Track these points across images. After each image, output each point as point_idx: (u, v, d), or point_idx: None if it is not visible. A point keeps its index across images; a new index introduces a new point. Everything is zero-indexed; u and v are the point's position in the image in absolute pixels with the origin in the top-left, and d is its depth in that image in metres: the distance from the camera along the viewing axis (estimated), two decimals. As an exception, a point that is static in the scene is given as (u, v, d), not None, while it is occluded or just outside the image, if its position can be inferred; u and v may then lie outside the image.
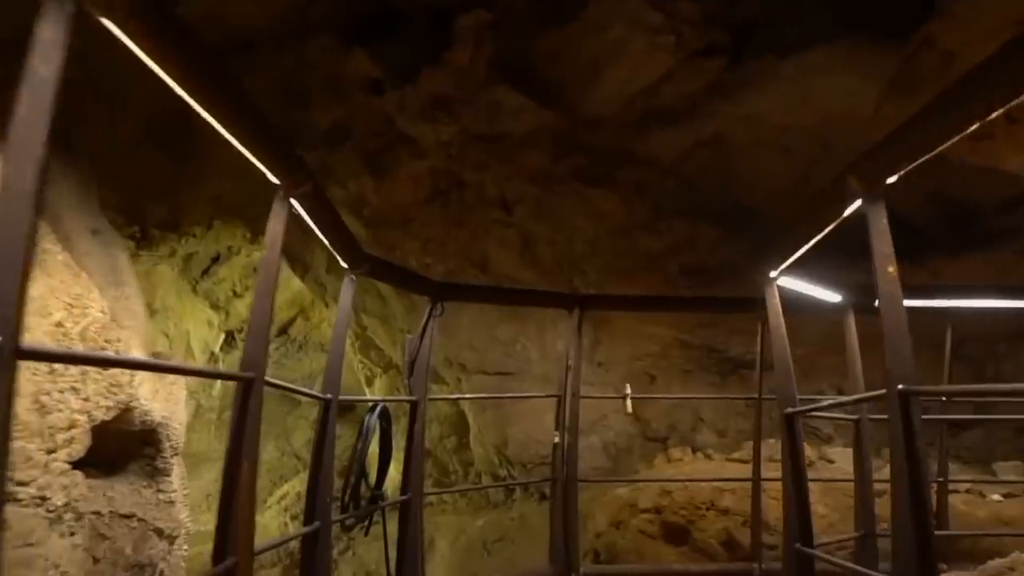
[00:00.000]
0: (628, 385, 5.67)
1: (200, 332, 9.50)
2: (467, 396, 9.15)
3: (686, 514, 5.82)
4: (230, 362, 10.31)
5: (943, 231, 7.45)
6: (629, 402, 5.77)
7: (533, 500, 9.63)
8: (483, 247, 8.02)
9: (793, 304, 3.65)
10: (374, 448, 3.67)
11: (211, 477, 9.82)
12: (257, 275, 2.45)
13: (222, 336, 10.01)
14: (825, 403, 3.76)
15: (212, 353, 9.91)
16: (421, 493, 3.86)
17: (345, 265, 3.04)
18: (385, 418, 3.72)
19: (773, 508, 4.58)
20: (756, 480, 4.54)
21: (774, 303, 3.51)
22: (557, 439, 4.98)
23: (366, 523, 3.48)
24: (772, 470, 4.02)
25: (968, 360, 8.55)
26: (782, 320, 3.49)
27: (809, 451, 7.11)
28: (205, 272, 8.79)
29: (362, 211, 7.64)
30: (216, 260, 8.70)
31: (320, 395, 2.90)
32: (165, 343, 8.03)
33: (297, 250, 8.64)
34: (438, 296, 4.04)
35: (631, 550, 5.90)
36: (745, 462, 6.70)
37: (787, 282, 3.58)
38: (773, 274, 3.51)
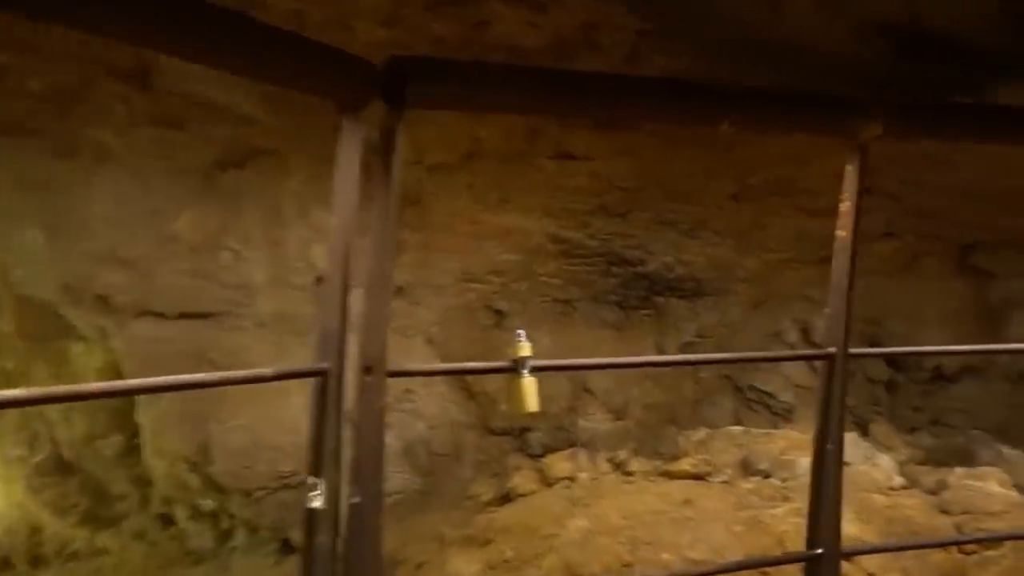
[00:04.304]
0: (522, 332, 2.30)
1: None
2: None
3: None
4: None
5: None
6: (526, 384, 2.33)
7: (269, 550, 5.55)
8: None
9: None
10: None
11: None
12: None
13: None
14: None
15: None
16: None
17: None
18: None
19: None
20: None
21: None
22: (315, 492, 2.04)
23: None
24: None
25: (977, 274, 6.56)
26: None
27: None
28: None
29: None
30: None
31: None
32: None
33: None
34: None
35: None
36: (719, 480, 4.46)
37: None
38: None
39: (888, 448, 5.07)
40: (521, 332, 2.41)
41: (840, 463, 2.73)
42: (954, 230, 6.06)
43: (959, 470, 4.49)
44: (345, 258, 2.06)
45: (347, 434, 2.28)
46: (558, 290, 5.67)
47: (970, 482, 4.26)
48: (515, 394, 2.39)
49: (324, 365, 2.14)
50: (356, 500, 2.05)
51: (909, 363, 6.17)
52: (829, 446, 2.69)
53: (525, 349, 2.38)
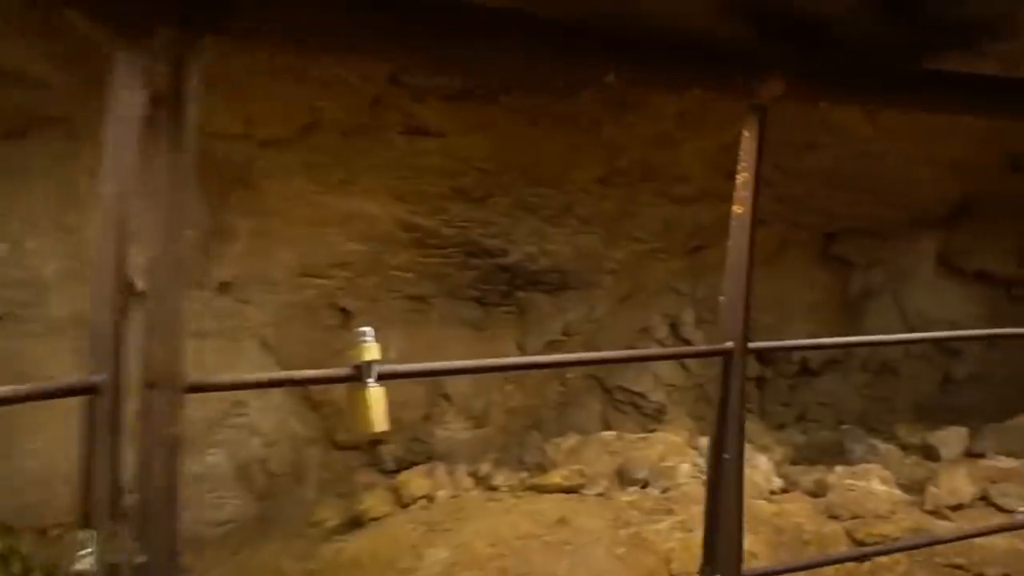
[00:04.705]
0: (367, 331, 1.86)
1: None
2: None
3: None
4: None
5: None
6: (372, 396, 1.84)
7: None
8: None
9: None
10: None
11: None
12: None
13: None
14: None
15: None
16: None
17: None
18: None
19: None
20: None
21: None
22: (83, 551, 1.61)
23: None
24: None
25: (839, 264, 6.62)
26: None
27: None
28: None
29: None
30: None
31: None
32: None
33: None
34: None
35: None
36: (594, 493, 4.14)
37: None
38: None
39: (763, 448, 4.90)
40: (366, 331, 1.89)
41: (740, 475, 2.37)
42: (817, 218, 6.03)
43: (840, 469, 4.36)
44: (120, 237, 1.57)
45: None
46: (411, 285, 5.14)
47: (852, 481, 4.12)
48: (358, 408, 1.87)
49: (96, 379, 1.63)
50: (142, 560, 1.57)
51: (777, 357, 6.08)
52: (726, 455, 2.33)
53: (371, 352, 1.87)
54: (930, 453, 5.08)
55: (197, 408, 4.99)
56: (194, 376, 1.68)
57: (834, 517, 3.91)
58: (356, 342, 1.85)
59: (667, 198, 5.25)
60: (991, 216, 6.49)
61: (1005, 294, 6.85)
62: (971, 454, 5.02)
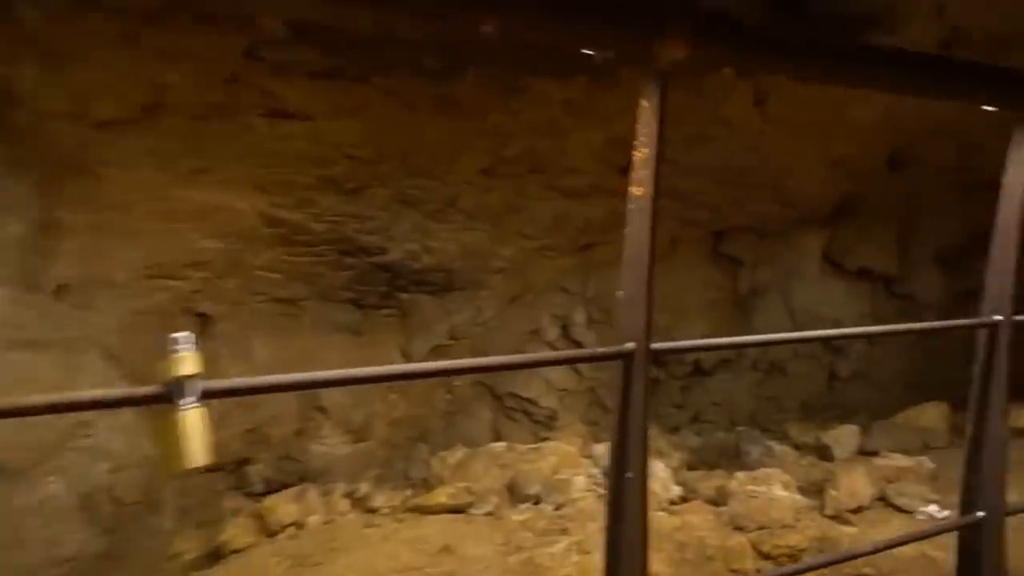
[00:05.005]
0: (182, 338, 1.30)
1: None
2: None
3: None
4: None
5: None
6: (187, 422, 1.34)
7: None
8: None
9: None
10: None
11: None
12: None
13: None
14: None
15: None
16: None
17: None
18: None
19: None
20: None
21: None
22: None
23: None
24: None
25: (728, 262, 6.52)
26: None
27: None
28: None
29: None
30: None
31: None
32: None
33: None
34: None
35: None
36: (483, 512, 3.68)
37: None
38: None
39: (659, 453, 4.66)
40: (181, 337, 1.44)
41: (645, 496, 2.05)
42: (707, 214, 5.88)
43: (740, 475, 4.14)
44: None
45: None
46: (278, 287, 4.63)
47: (753, 488, 3.91)
48: (169, 437, 1.43)
49: None
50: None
51: (669, 358, 5.90)
52: (629, 475, 1.98)
53: (187, 364, 1.42)
54: (824, 453, 5.00)
55: (32, 430, 4.35)
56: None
57: (738, 528, 3.69)
58: (167, 352, 1.42)
59: (556, 191, 4.95)
60: (872, 214, 6.55)
61: (885, 291, 6.96)
62: (864, 452, 4.97)
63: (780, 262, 6.61)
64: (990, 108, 2.17)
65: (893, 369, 6.78)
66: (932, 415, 5.64)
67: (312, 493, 4.12)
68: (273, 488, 4.70)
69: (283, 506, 4.03)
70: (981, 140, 5.42)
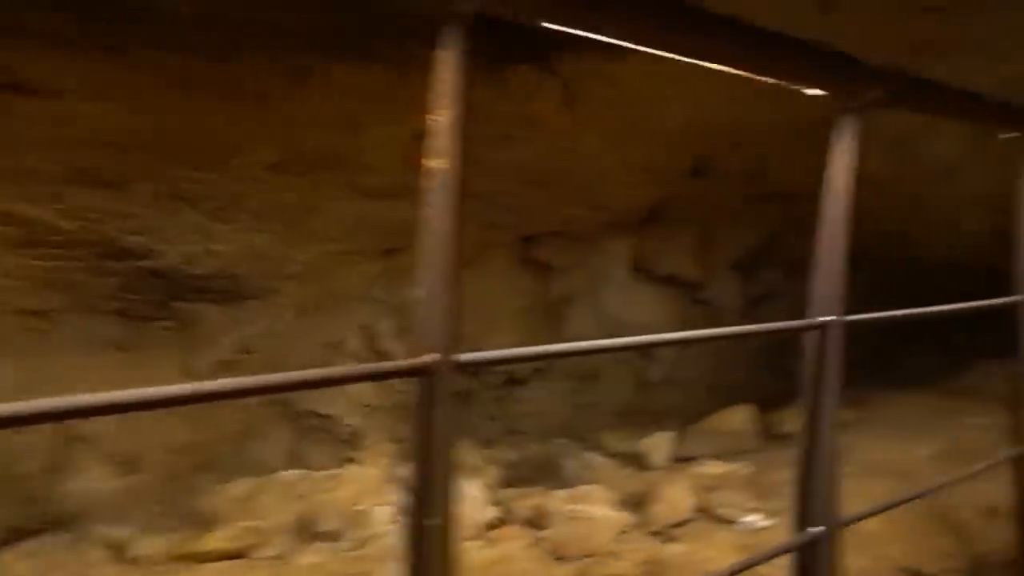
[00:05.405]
0: None
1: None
2: None
3: None
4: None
5: None
6: None
7: None
8: None
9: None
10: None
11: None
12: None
13: None
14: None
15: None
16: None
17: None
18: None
19: None
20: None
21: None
22: None
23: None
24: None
25: (538, 267, 6.34)
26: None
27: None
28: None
29: None
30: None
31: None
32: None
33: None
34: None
35: None
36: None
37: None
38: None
39: (473, 470, 4.36)
40: None
41: (449, 547, 1.64)
42: (515, 217, 5.69)
43: (560, 493, 3.91)
44: None
45: None
46: (23, 296, 3.90)
47: (573, 507, 3.68)
48: None
49: None
50: None
51: (482, 369, 5.65)
52: (430, 522, 1.52)
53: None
54: (642, 461, 4.91)
55: None
56: None
57: (561, 559, 3.44)
58: None
59: (357, 191, 4.55)
60: (678, 221, 6.67)
61: (690, 297, 7.12)
62: (680, 458, 4.93)
63: (590, 268, 6.57)
64: (815, 92, 2.04)
65: (698, 373, 6.93)
66: (741, 418, 5.74)
67: (56, 544, 3.43)
68: (19, 537, 3.94)
69: (16, 564, 3.30)
70: (767, 152, 5.62)
